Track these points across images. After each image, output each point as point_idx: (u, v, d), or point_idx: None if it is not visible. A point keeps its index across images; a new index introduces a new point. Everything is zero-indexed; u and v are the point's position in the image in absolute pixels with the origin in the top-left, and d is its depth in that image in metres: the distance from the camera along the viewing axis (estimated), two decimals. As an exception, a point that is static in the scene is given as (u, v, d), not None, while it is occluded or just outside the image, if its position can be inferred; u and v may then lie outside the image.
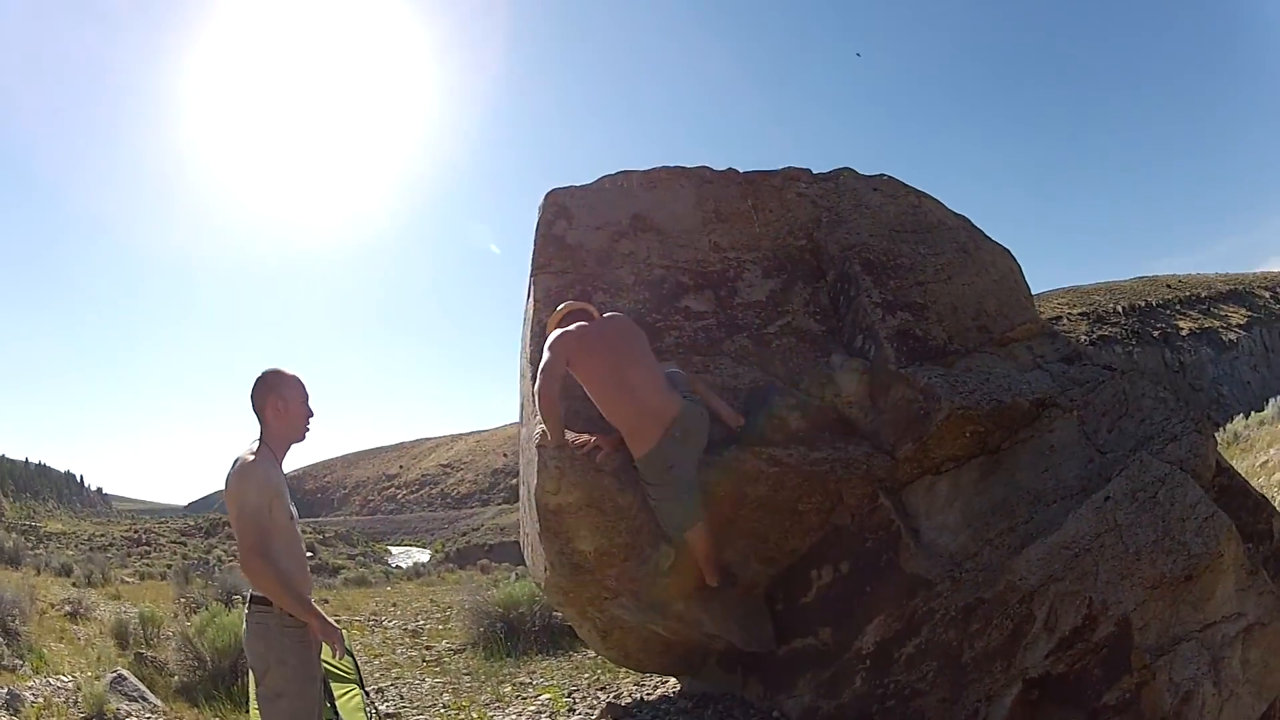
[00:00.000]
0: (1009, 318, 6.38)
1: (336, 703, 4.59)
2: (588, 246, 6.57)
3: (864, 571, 5.50)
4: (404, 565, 50.02)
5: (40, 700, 7.34)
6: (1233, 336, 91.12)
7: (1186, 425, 5.24)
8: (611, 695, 7.55)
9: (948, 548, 5.32)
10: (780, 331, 6.30)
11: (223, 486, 4.21)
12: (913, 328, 6.01)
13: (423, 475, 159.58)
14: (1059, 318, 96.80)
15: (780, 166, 7.33)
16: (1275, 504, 9.13)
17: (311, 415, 4.45)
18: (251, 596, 4.20)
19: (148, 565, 35.72)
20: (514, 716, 7.33)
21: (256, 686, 4.21)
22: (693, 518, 5.25)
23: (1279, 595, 4.53)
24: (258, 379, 4.30)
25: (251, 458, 4.15)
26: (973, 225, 7.10)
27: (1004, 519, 5.28)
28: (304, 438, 4.45)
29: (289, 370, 4.36)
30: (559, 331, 5.44)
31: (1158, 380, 5.86)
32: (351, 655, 4.97)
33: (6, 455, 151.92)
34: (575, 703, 7.57)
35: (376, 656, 11.41)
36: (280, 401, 4.28)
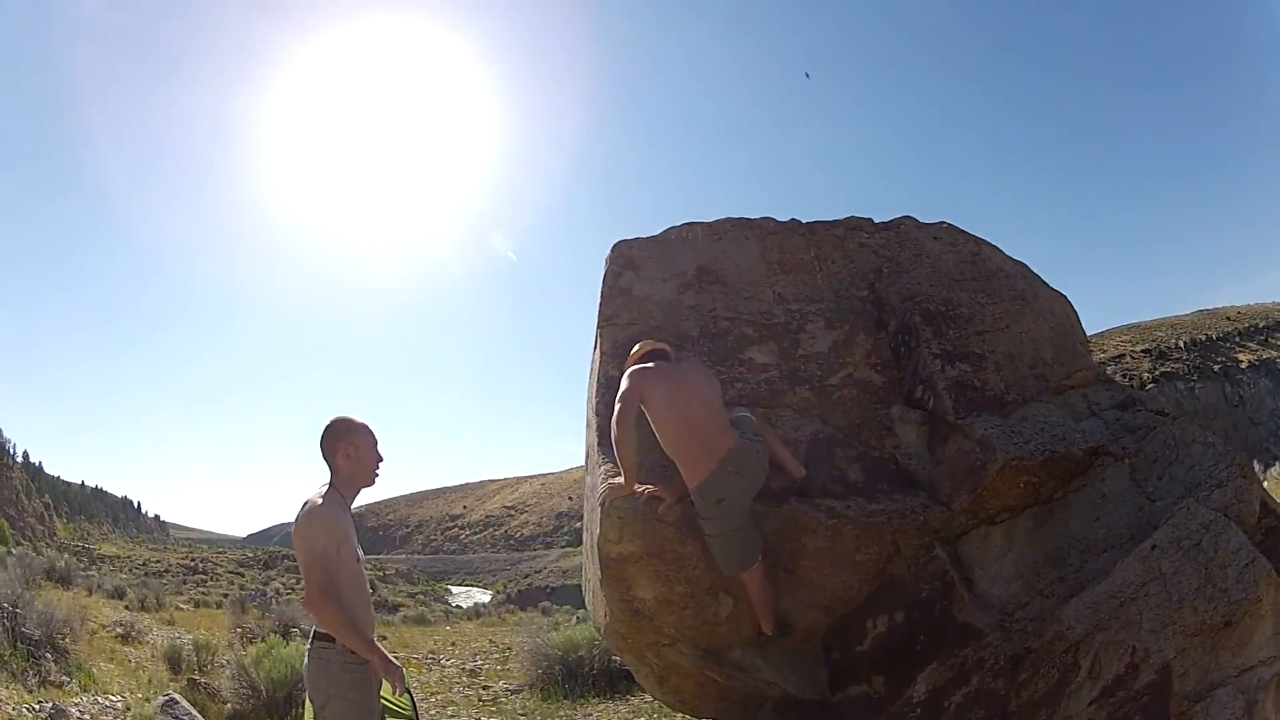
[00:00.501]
0: (1065, 365, 6.40)
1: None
2: (654, 298, 6.67)
3: (918, 621, 5.52)
4: (464, 605, 50.08)
5: (87, 717, 7.48)
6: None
7: (1232, 470, 5.23)
8: (665, 739, 7.60)
9: (1000, 597, 5.33)
10: (842, 383, 6.34)
11: (289, 523, 4.37)
12: (971, 378, 6.04)
13: (487, 516, 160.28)
14: (1122, 355, 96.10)
15: (843, 216, 7.41)
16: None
17: (381, 461, 4.60)
18: (315, 633, 4.33)
19: (203, 594, 35.92)
20: (567, 756, 7.39)
21: (316, 718, 4.31)
22: (748, 558, 5.32)
23: None
24: (328, 427, 4.45)
25: (321, 501, 4.31)
26: (1030, 271, 7.12)
27: (1055, 568, 5.30)
28: (373, 482, 4.62)
29: (358, 419, 4.53)
30: (636, 366, 5.63)
31: (1206, 424, 5.86)
32: (409, 693, 5.07)
33: (63, 477, 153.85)
34: (629, 746, 7.62)
35: (433, 694, 11.49)
36: (351, 449, 4.44)
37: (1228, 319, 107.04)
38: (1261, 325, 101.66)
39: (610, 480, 5.51)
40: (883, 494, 5.74)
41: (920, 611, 5.54)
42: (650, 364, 5.63)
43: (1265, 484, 15.59)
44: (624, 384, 5.48)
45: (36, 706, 7.51)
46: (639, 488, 5.38)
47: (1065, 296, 6.95)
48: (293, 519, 4.42)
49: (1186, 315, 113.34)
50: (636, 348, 5.90)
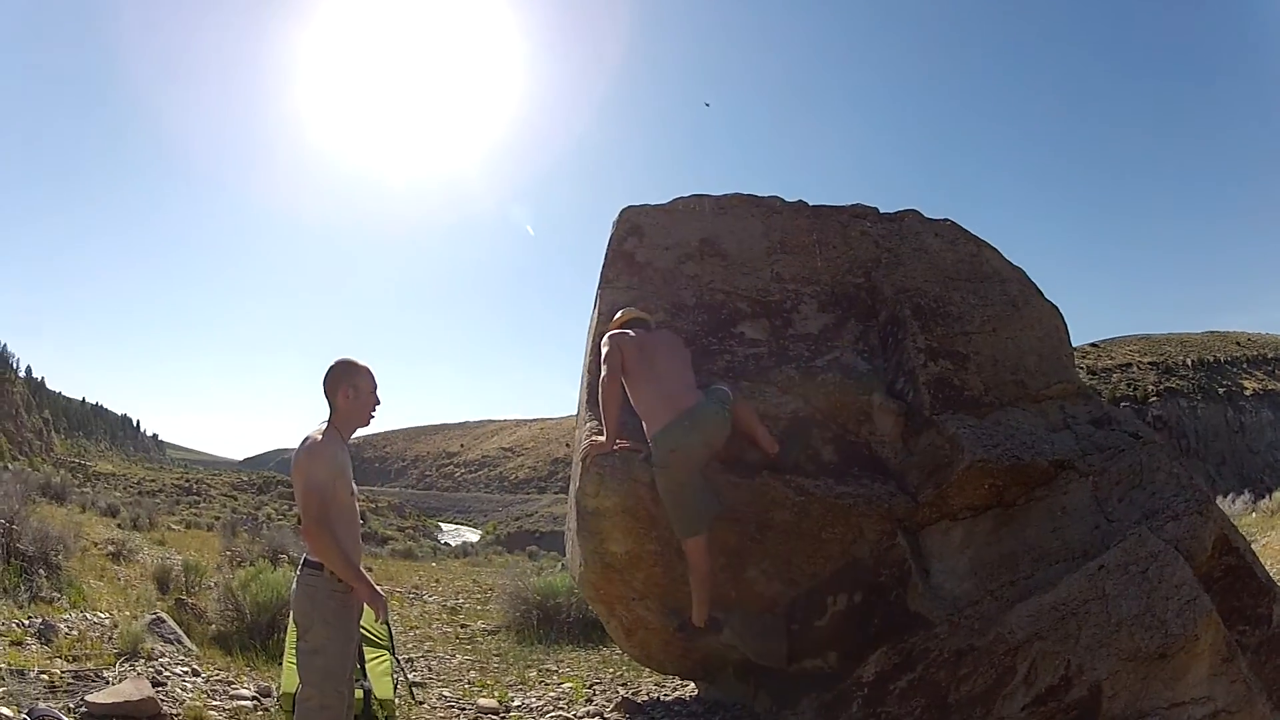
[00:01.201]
0: (1047, 375, 6.50)
1: (366, 665, 4.96)
2: (655, 265, 6.84)
3: (874, 604, 5.72)
4: (453, 543, 50.33)
5: (75, 633, 7.58)
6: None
7: (1190, 505, 5.31)
8: (630, 692, 7.78)
9: (953, 592, 5.51)
10: (827, 366, 6.46)
11: (285, 448, 4.59)
12: (952, 376, 6.19)
13: (483, 456, 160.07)
14: (1129, 365, 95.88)
15: (850, 203, 7.54)
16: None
17: (378, 403, 4.84)
18: (305, 560, 4.55)
19: (195, 515, 36.11)
20: (534, 699, 7.58)
21: (298, 641, 4.55)
22: (695, 523, 5.53)
23: (1252, 685, 4.56)
24: (332, 367, 4.68)
25: (321, 438, 4.53)
26: (1027, 279, 7.18)
27: (1008, 572, 5.46)
28: (369, 423, 4.85)
29: (361, 361, 4.75)
30: (615, 330, 5.93)
31: (1174, 456, 5.92)
32: (387, 624, 5.33)
33: (64, 393, 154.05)
34: (594, 694, 7.82)
35: (413, 628, 11.75)
36: (352, 390, 4.66)
37: (1238, 344, 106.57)
38: (1271, 355, 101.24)
39: (593, 437, 5.78)
40: (853, 478, 5.92)
41: (877, 595, 5.73)
42: (629, 330, 5.93)
43: (1253, 515, 15.71)
44: (605, 347, 5.76)
45: (26, 622, 7.64)
46: (618, 444, 5.66)
47: (1058, 309, 7.00)
48: (293, 452, 4.66)
49: (1197, 334, 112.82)
50: (618, 314, 6.18)
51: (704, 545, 5.56)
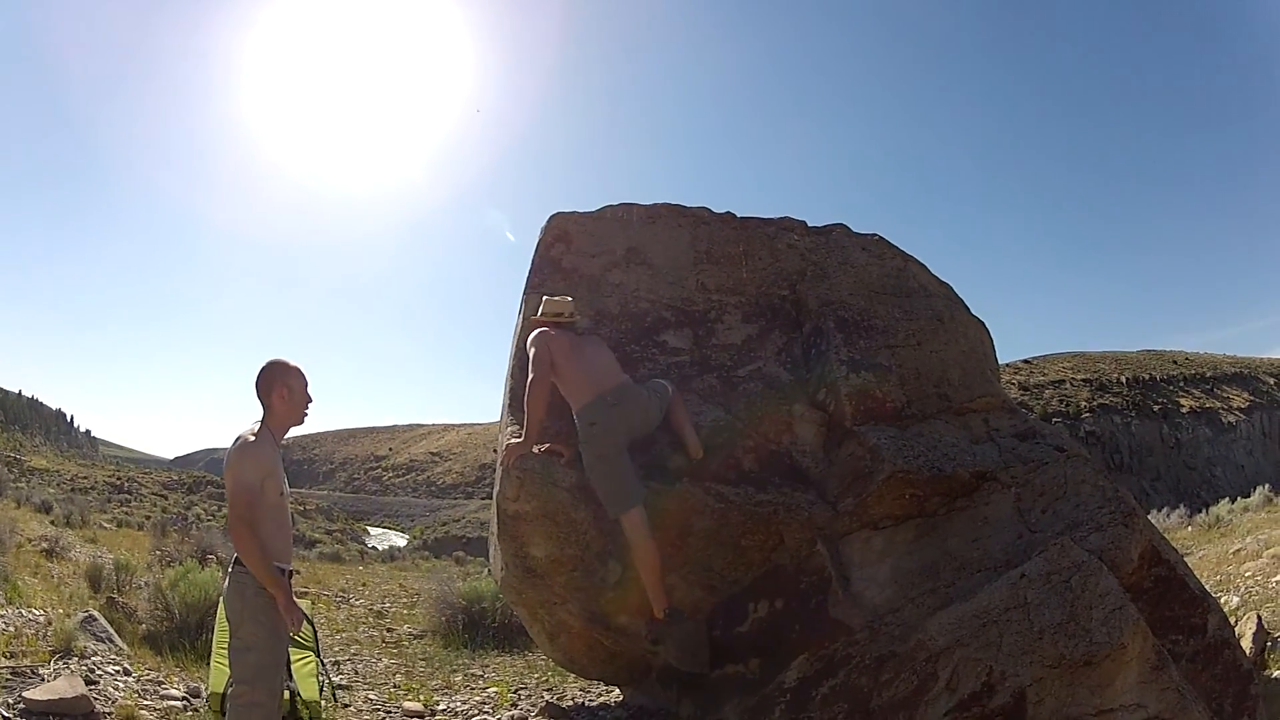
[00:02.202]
0: (970, 389, 6.59)
1: (292, 666, 4.97)
2: (581, 272, 6.86)
3: (795, 611, 5.74)
4: (380, 547, 50.13)
5: (11, 629, 7.53)
6: (1233, 419, 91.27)
7: (1115, 517, 5.42)
8: (555, 696, 7.81)
9: (873, 600, 5.54)
10: (749, 376, 6.54)
11: (215, 448, 4.61)
12: (874, 388, 6.24)
13: (411, 460, 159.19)
14: (1063, 381, 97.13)
15: (779, 215, 7.57)
16: (1241, 593, 9.36)
17: (311, 402, 4.87)
18: (236, 559, 4.56)
19: (127, 513, 35.79)
20: (459, 703, 7.58)
21: (230, 639, 4.58)
22: (623, 498, 5.59)
23: (1185, 692, 4.62)
24: (265, 368, 4.71)
25: (253, 438, 4.57)
26: (954, 294, 7.28)
27: (929, 580, 5.51)
28: (303, 422, 4.90)
29: (293, 362, 4.78)
30: (540, 330, 6.00)
31: (1100, 469, 5.99)
32: (312, 625, 5.33)
33: (1, 385, 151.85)
34: (519, 699, 7.83)
35: (339, 632, 11.69)
36: (286, 390, 4.70)
37: (1174, 363, 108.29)
38: (1208, 375, 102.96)
39: (512, 440, 5.80)
40: (774, 486, 5.97)
41: (799, 602, 5.75)
42: (551, 330, 5.99)
43: (1188, 530, 15.98)
44: (533, 348, 5.83)
45: (-39, 617, 7.60)
46: (537, 448, 5.70)
47: (983, 324, 7.14)
48: (224, 451, 4.69)
49: (1133, 353, 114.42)
50: (546, 302, 6.23)
51: (640, 521, 5.59)
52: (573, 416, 5.82)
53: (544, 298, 6.33)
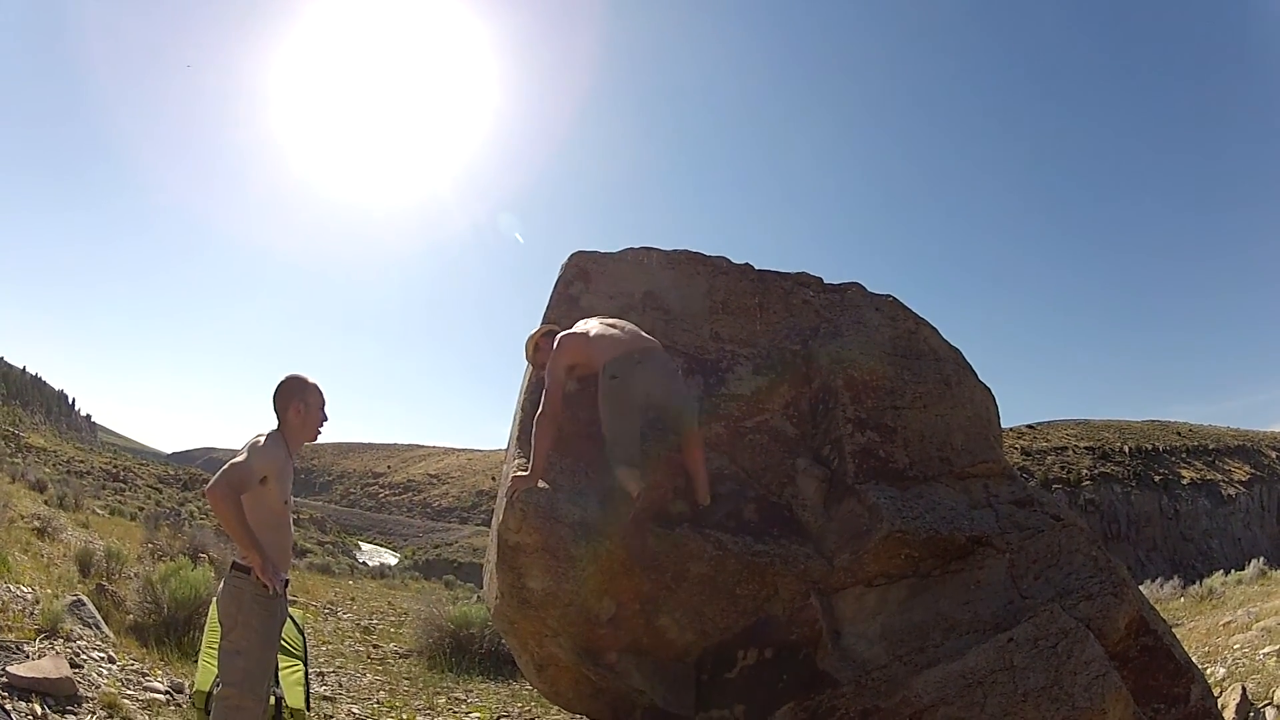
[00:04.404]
0: (972, 454, 6.64)
1: (280, 673, 5.05)
2: (598, 312, 6.83)
3: (784, 660, 5.78)
4: (371, 563, 50.09)
5: None
6: (1232, 491, 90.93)
7: (1105, 586, 5.50)
8: (536, 728, 7.88)
9: (862, 655, 5.60)
10: (756, 428, 6.61)
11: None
12: (878, 448, 6.33)
13: (408, 480, 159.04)
14: (1065, 448, 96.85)
15: (796, 270, 7.69)
16: (1228, 664, 9.38)
17: (326, 420, 4.96)
18: (233, 563, 4.64)
19: (120, 502, 35.87)
20: (440, 725, 7.66)
21: (220, 641, 4.63)
22: (625, 455, 5.74)
23: None
24: (282, 383, 4.81)
25: (265, 440, 4.67)
26: (963, 360, 7.33)
27: (918, 639, 5.56)
28: (315, 439, 5.02)
29: (311, 378, 4.88)
30: (564, 333, 6.17)
31: (1094, 539, 6.03)
32: (302, 634, 5.41)
33: (4, 358, 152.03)
34: (500, 726, 7.90)
35: (325, 644, 11.72)
36: (303, 405, 4.81)
37: (1178, 434, 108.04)
38: (1211, 447, 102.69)
39: (518, 473, 5.87)
40: (772, 537, 6.03)
41: (788, 652, 5.80)
42: (575, 329, 6.20)
43: (1180, 600, 15.98)
44: (549, 377, 5.97)
45: (-51, 585, 7.65)
46: (542, 483, 5.77)
47: (990, 390, 7.16)
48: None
49: (1138, 422, 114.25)
50: (539, 329, 6.54)
51: (637, 479, 5.74)
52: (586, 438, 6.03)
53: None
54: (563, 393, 5.96)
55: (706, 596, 5.91)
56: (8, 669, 5.91)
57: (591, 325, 6.12)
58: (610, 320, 6.23)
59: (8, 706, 5.50)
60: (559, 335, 6.14)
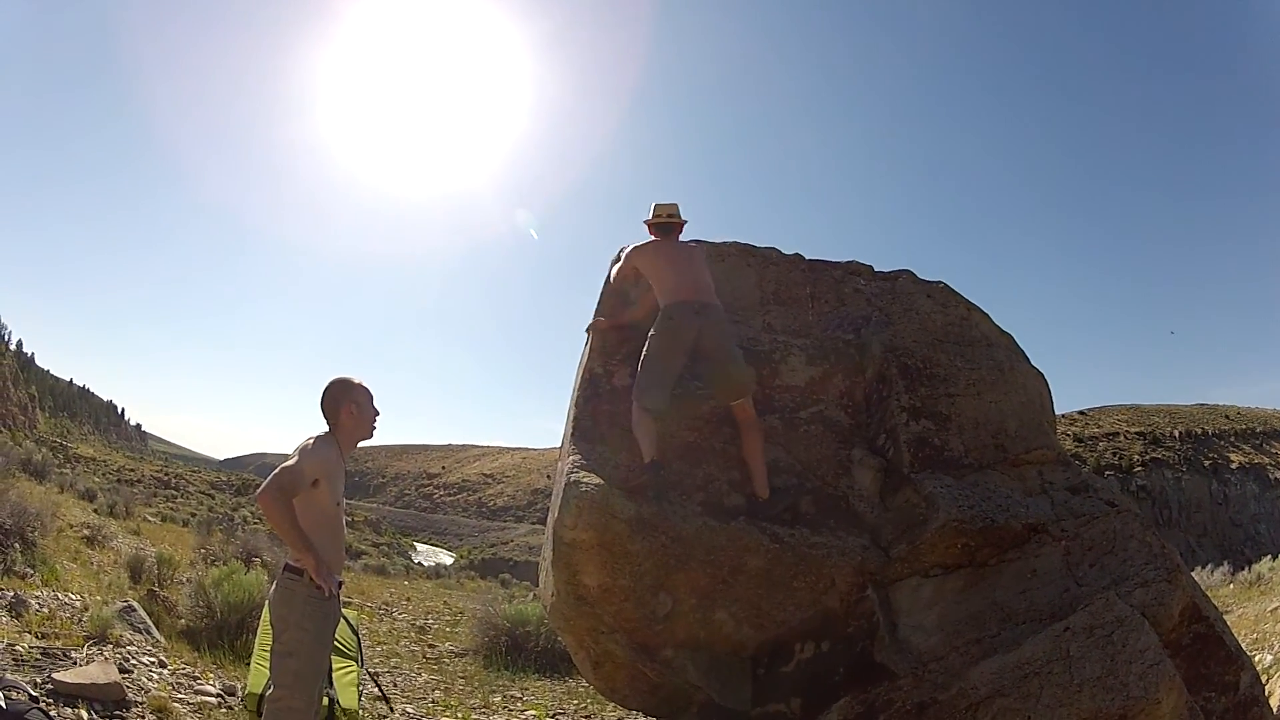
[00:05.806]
0: (1026, 441, 6.57)
1: (334, 674, 5.05)
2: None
3: (841, 653, 5.77)
4: (426, 564, 50.20)
5: (45, 610, 7.66)
6: (1279, 475, 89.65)
7: (1160, 574, 5.43)
8: (591, 724, 7.86)
9: (919, 647, 5.56)
10: (810, 418, 6.57)
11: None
12: (932, 436, 6.30)
13: (463, 480, 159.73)
14: (1116, 434, 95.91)
15: (846, 259, 7.66)
16: (1275, 651, 9.26)
17: (378, 414, 4.97)
18: (286, 565, 4.64)
19: (172, 509, 36.08)
20: (495, 723, 7.65)
21: (273, 643, 4.63)
22: (653, 394, 5.88)
23: None
24: (329, 386, 4.81)
25: (315, 442, 4.67)
26: (1015, 344, 7.30)
27: (975, 630, 5.51)
28: (371, 436, 5.02)
29: (355, 378, 4.89)
30: (645, 246, 6.46)
31: (1148, 525, 5.96)
32: (356, 635, 5.41)
33: (52, 371, 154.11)
34: (555, 723, 7.89)
35: (380, 644, 11.78)
36: (354, 406, 4.81)
37: (1226, 417, 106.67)
38: (1259, 430, 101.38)
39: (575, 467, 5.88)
40: (828, 529, 6.01)
41: (845, 645, 5.79)
42: (661, 243, 6.46)
43: (1230, 587, 15.83)
44: (621, 264, 6.56)
45: (-1, 593, 7.72)
46: (595, 476, 5.81)
47: (1042, 375, 7.09)
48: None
49: (1186, 406, 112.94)
50: (654, 207, 6.65)
51: (649, 424, 5.90)
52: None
53: (654, 203, 6.59)
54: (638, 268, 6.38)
55: (763, 590, 5.87)
56: (54, 676, 5.95)
57: (664, 255, 6.33)
58: (680, 253, 6.39)
59: (53, 713, 5.53)
60: (641, 249, 6.44)
